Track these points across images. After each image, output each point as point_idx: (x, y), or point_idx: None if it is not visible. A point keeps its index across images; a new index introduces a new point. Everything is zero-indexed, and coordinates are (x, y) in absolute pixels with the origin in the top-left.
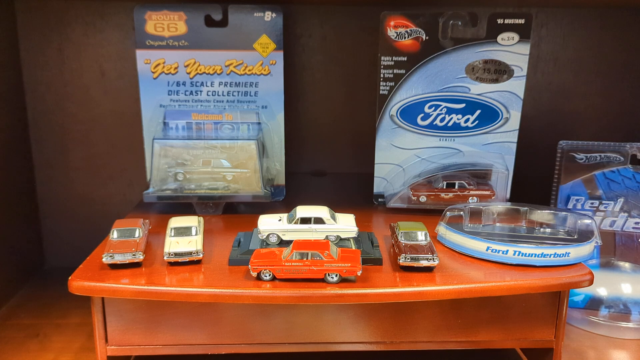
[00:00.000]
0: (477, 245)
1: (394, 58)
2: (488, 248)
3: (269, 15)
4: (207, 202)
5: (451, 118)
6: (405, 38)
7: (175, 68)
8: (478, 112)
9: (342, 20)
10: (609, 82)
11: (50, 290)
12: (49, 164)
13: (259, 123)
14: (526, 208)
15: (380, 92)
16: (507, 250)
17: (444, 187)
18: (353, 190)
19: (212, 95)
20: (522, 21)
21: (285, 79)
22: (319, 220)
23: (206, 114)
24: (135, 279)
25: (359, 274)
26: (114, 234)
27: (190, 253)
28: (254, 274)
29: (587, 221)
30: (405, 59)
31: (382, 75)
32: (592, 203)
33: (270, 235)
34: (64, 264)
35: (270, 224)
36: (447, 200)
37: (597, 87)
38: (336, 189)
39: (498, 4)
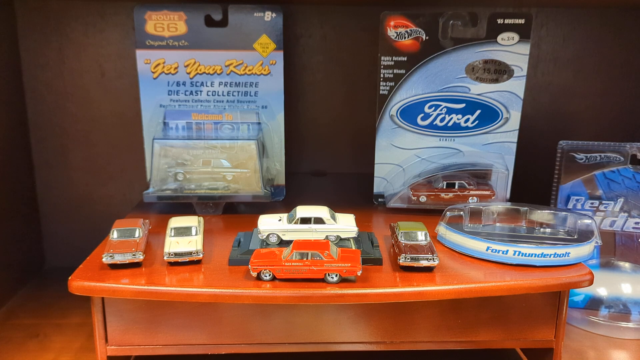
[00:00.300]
0: (477, 245)
1: (394, 58)
2: (488, 248)
3: (269, 15)
4: (207, 202)
5: (451, 118)
6: (405, 38)
7: (175, 68)
8: (478, 112)
9: (342, 20)
10: (609, 82)
11: (50, 290)
12: (49, 164)
13: (259, 123)
14: (526, 208)
15: (380, 92)
16: (507, 250)
17: (444, 187)
18: (353, 190)
19: (212, 95)
20: (522, 21)
21: (285, 79)
22: (319, 220)
23: (206, 114)
24: (135, 279)
25: (359, 274)
26: (114, 234)
27: (190, 253)
28: (254, 274)
29: (587, 221)
30: (405, 59)
31: (382, 75)
32: (592, 203)
33: (270, 235)
34: (64, 264)
35: (270, 224)
36: (447, 200)
37: (597, 87)
38: (336, 189)
39: (498, 4)
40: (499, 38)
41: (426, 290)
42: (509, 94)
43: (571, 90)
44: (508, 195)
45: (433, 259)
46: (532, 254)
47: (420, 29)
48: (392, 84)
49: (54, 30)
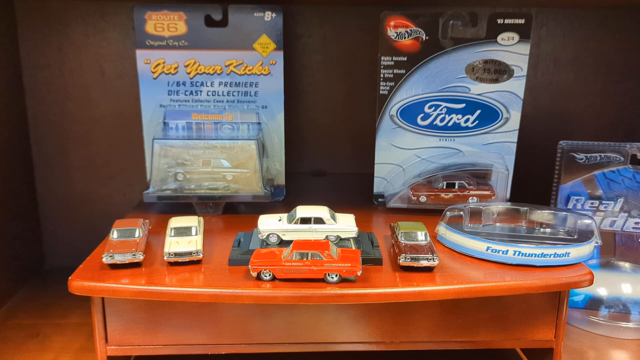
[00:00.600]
0: (477, 245)
1: (394, 58)
2: (488, 248)
3: (269, 15)
4: (207, 202)
5: (451, 118)
6: (405, 38)
7: (175, 68)
8: (478, 112)
9: (342, 20)
10: (609, 82)
11: (50, 290)
12: (49, 164)
13: (259, 123)
14: (526, 208)
15: (380, 92)
16: (507, 250)
17: (444, 187)
18: (353, 190)
19: (212, 95)
20: (522, 21)
21: (285, 79)
22: (319, 220)
23: (206, 114)
24: (135, 279)
25: (359, 274)
26: (114, 234)
27: (190, 253)
28: (254, 274)
29: (587, 221)
30: (405, 59)
31: (382, 75)
32: (592, 203)
33: (270, 235)
34: (64, 264)
35: (270, 224)
36: (447, 200)
37: (597, 87)
38: (336, 189)
39: (498, 4)
40: (499, 38)
41: (426, 290)
42: (509, 94)
43: (571, 90)
44: (508, 195)
45: (433, 259)
46: (532, 254)
47: (420, 29)
48: (392, 84)
49: (54, 30)
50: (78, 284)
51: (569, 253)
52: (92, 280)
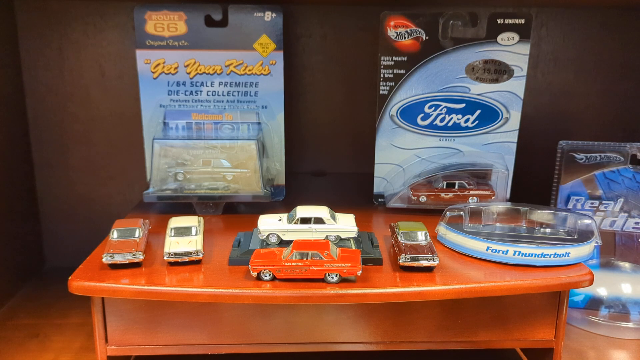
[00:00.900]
0: (477, 245)
1: (394, 58)
2: (488, 248)
3: (269, 15)
4: (207, 202)
5: (451, 118)
6: (405, 38)
7: (175, 68)
8: (478, 112)
9: (342, 20)
10: (609, 82)
11: (50, 290)
12: (49, 164)
13: (259, 123)
14: (526, 208)
15: (380, 92)
16: (507, 250)
17: (444, 187)
18: (353, 190)
19: (212, 95)
20: (522, 21)
21: (285, 79)
22: (319, 220)
23: (206, 114)
24: (135, 279)
25: (359, 274)
26: (114, 234)
27: (190, 253)
28: (254, 274)
29: (587, 221)
30: (405, 59)
31: (382, 75)
32: (592, 203)
33: (270, 235)
34: (64, 264)
35: (270, 224)
36: (447, 200)
37: (597, 87)
38: (336, 189)
39: (498, 4)
40: (499, 38)
41: (426, 290)
42: (509, 94)
43: (571, 90)
44: (508, 195)
45: (433, 259)
46: (532, 254)
47: (420, 29)
48: (392, 84)
49: (54, 30)
50: (78, 284)
51: (569, 253)
52: (92, 280)
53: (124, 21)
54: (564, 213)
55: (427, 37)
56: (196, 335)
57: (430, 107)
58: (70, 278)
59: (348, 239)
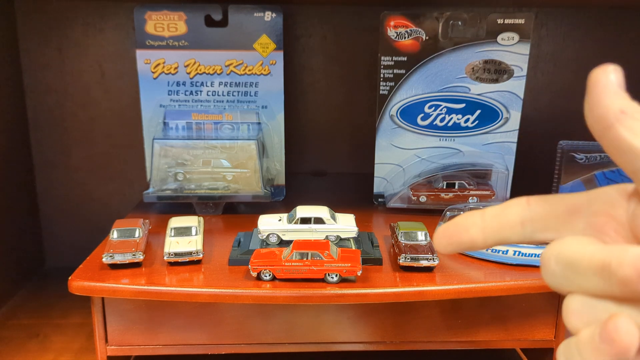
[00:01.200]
0: None
1: (394, 58)
2: (488, 248)
3: (269, 15)
4: (207, 202)
5: (451, 118)
6: (405, 38)
7: (175, 68)
8: (478, 112)
9: (342, 20)
10: None
11: (50, 290)
12: (49, 164)
13: (259, 123)
14: None
15: (380, 92)
16: (507, 250)
17: (444, 187)
18: (353, 190)
19: (212, 95)
20: (522, 21)
21: (285, 79)
22: (319, 220)
23: (206, 114)
24: (135, 279)
25: (359, 274)
26: (114, 234)
27: (190, 253)
28: (254, 274)
29: None
30: (405, 59)
31: (382, 75)
32: None
33: (270, 235)
34: (64, 264)
35: (270, 224)
36: (447, 200)
37: None
38: (336, 189)
39: (498, 4)
40: (499, 38)
41: (426, 290)
42: (509, 94)
43: (571, 90)
44: (508, 195)
45: (433, 259)
46: (532, 254)
47: (420, 29)
48: (392, 84)
49: (54, 30)
50: (78, 284)
51: None
52: (92, 280)
53: (124, 21)
54: None
55: (427, 37)
56: (196, 335)
57: (430, 107)
58: (70, 278)
59: (348, 239)
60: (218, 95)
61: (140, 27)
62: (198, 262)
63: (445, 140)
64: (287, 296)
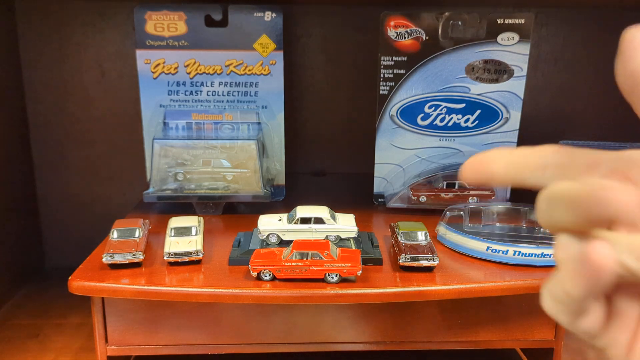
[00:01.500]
0: (477, 245)
1: (394, 58)
2: (488, 248)
3: (269, 15)
4: (207, 202)
5: (451, 118)
6: (405, 38)
7: (175, 68)
8: (478, 112)
9: (342, 20)
10: (609, 82)
11: (50, 290)
12: (49, 164)
13: (259, 123)
14: (526, 208)
15: (380, 92)
16: (507, 250)
17: (444, 187)
18: (353, 190)
19: (212, 95)
20: (522, 21)
21: (285, 79)
22: (319, 220)
23: (206, 114)
24: (135, 279)
25: (359, 274)
26: (114, 234)
27: (190, 253)
28: (254, 274)
29: None
30: (405, 59)
31: (382, 75)
32: None
33: (270, 235)
34: (64, 264)
35: (270, 224)
36: (447, 200)
37: (597, 87)
38: (336, 189)
39: (498, 4)
40: (499, 38)
41: (426, 290)
42: (509, 94)
43: (571, 90)
44: (508, 195)
45: (433, 259)
46: (532, 254)
47: (420, 29)
48: (392, 84)
49: (54, 30)
50: (78, 284)
51: None
52: (92, 280)
53: (124, 21)
54: None
55: (427, 37)
56: (196, 335)
57: (430, 107)
58: (70, 278)
59: (348, 239)
60: (218, 95)
61: (140, 27)
62: (198, 262)
63: (445, 140)
64: (287, 296)
